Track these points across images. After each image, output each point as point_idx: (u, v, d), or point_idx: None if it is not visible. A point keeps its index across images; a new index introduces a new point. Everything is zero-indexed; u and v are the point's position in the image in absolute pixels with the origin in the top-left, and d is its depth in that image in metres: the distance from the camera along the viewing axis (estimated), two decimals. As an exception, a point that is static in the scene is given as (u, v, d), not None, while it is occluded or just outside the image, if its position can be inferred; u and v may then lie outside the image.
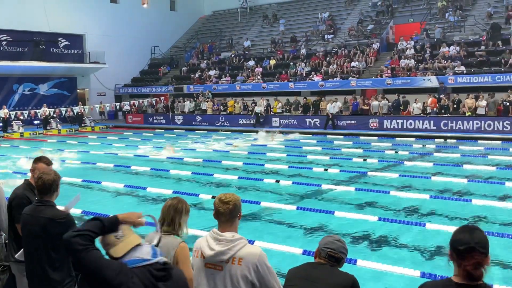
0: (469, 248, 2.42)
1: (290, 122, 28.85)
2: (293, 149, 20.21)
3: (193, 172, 14.83)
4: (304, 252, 6.92)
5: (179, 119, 33.73)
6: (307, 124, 28.19)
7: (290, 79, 31.94)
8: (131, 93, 40.16)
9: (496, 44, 27.01)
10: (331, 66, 31.14)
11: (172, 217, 3.64)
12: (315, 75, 31.03)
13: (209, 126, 31.58)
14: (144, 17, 42.86)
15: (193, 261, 3.43)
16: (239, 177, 13.91)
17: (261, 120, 29.68)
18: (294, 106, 30.05)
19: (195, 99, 34.64)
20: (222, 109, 33.03)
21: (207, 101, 33.46)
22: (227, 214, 3.29)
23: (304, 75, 31.84)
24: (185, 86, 36.33)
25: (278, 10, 42.89)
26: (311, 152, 19.01)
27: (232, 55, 38.25)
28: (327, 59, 32.19)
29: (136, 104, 36.73)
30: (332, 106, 27.14)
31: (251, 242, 6.69)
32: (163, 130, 31.30)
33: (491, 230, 8.34)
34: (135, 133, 29.50)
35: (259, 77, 33.65)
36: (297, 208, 10.16)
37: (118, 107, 36.30)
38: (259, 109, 29.87)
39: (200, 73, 37.51)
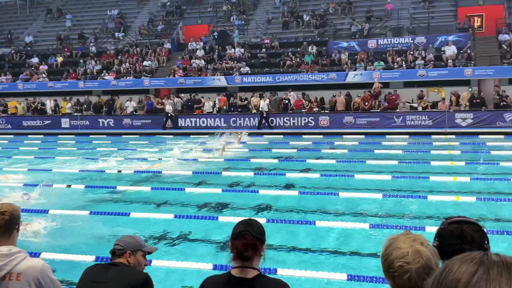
0: (243, 231, 2.70)
1: (81, 123, 27.47)
2: (83, 151, 19.32)
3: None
4: (97, 259, 6.68)
5: None
6: (100, 125, 27.19)
7: (80, 78, 30.40)
8: None
9: (224, 48, 29.98)
10: (123, 65, 30.56)
11: None
12: (107, 74, 30.11)
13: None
14: None
15: None
16: (24, 185, 12.75)
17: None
18: (85, 106, 28.69)
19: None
20: (2, 110, 29.81)
21: (-17, 102, 29.86)
22: (2, 226, 3.03)
23: (95, 73, 30.65)
24: (-45, 85, 31.83)
25: (63, 4, 40.31)
26: (103, 154, 18.38)
27: (12, 51, 34.77)
28: (119, 57, 31.50)
29: None
30: (264, 103, 24.86)
31: (35, 254, 6.23)
32: None
33: (276, 218, 9.19)
34: None
35: (44, 75, 31.27)
36: (91, 213, 9.75)
37: None
38: (170, 108, 26.13)
39: (-27, 70, 33.25)
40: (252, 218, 2.96)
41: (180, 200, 10.92)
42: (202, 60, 29.42)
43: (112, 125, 27.02)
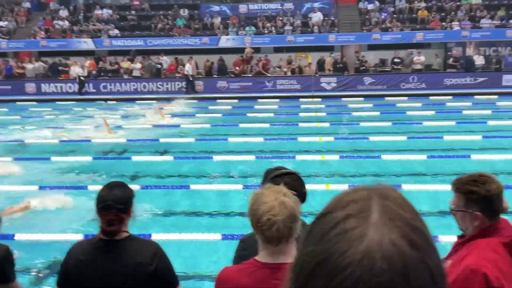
0: (106, 206, 2.59)
1: None
2: None
3: None
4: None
5: None
6: (-50, 92, 24.42)
7: None
8: None
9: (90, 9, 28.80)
10: (-26, 25, 27.55)
11: None
12: (-46, 35, 26.95)
13: None
14: None
15: None
16: None
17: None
18: None
19: None
20: None
21: None
22: None
23: None
24: None
25: None
26: None
27: None
28: (-32, 16, 28.31)
29: None
30: (190, 67, 23.11)
31: None
32: None
33: (151, 184, 9.12)
34: None
35: None
36: None
37: None
38: (81, 71, 23.74)
39: None
40: (117, 182, 2.83)
41: (46, 170, 10.30)
42: (66, 21, 27.52)
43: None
